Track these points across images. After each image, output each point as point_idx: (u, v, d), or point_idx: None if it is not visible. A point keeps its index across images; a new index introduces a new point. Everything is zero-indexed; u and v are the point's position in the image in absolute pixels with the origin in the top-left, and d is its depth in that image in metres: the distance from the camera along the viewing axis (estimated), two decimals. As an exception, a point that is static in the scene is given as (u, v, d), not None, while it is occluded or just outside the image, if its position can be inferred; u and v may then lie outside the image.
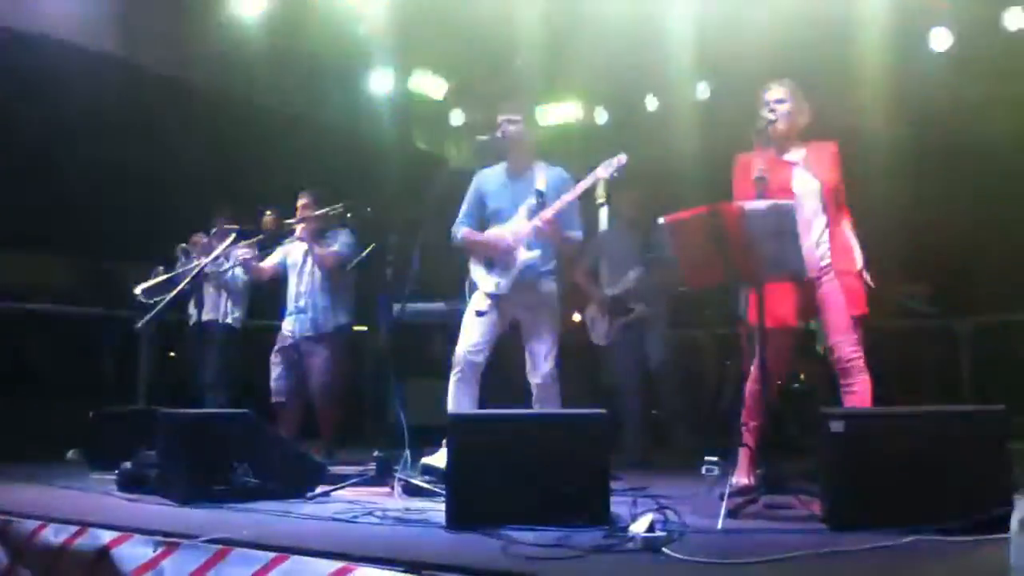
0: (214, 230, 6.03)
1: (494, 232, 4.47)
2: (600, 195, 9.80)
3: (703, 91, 8.02)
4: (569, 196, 4.31)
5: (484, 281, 4.46)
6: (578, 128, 8.62)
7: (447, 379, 4.40)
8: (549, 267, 4.49)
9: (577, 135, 8.46)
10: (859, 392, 3.67)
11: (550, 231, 4.29)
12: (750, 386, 3.83)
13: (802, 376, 6.06)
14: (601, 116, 8.69)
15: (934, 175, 7.31)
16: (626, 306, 5.82)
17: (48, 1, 5.72)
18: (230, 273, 5.95)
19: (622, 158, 4.32)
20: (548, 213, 4.29)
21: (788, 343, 3.87)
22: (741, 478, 3.79)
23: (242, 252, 5.76)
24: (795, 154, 3.87)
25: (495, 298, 4.41)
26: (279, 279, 5.85)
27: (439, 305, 6.82)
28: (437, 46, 8.03)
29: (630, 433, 5.83)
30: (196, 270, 5.55)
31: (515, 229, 4.40)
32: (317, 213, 5.60)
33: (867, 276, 3.79)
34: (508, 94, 5.93)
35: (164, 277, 5.84)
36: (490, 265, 4.45)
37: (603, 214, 9.32)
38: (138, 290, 5.83)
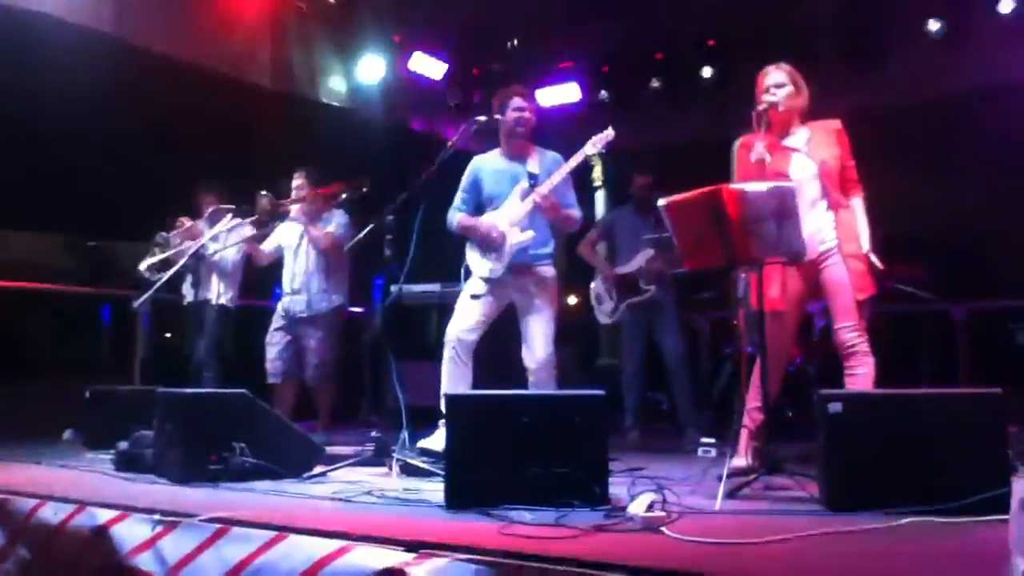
0: (210, 209, 5.98)
1: (488, 219, 4.46)
2: (596, 177, 9.82)
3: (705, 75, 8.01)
4: (562, 171, 4.32)
5: (479, 265, 4.46)
6: (578, 110, 8.59)
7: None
8: (546, 251, 4.48)
9: (577, 118, 8.42)
10: (862, 375, 3.66)
11: (548, 207, 4.29)
12: (754, 369, 3.81)
13: (799, 359, 6.05)
14: (602, 99, 8.65)
15: (933, 160, 7.32)
16: (637, 286, 5.84)
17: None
18: (218, 255, 5.90)
19: (609, 133, 4.33)
20: (544, 189, 4.29)
21: (789, 326, 3.87)
22: (740, 460, 3.80)
23: (246, 233, 5.74)
24: (797, 137, 3.86)
25: (491, 282, 4.41)
26: (280, 258, 5.84)
27: (436, 286, 6.83)
28: (436, 27, 8.00)
29: (629, 414, 5.86)
30: (193, 250, 5.52)
31: (509, 213, 4.40)
32: (313, 193, 5.58)
33: (874, 258, 3.77)
34: (506, 77, 5.93)
35: (163, 256, 5.82)
36: (484, 249, 4.44)
37: (600, 197, 9.36)
38: (143, 266, 5.82)
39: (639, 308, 5.86)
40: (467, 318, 4.38)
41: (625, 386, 5.96)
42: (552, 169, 4.39)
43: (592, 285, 6.14)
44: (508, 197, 4.44)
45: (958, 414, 2.92)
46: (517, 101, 4.48)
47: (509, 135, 4.51)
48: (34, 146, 6.52)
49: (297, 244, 5.71)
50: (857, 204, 3.86)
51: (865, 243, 3.77)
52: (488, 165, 4.59)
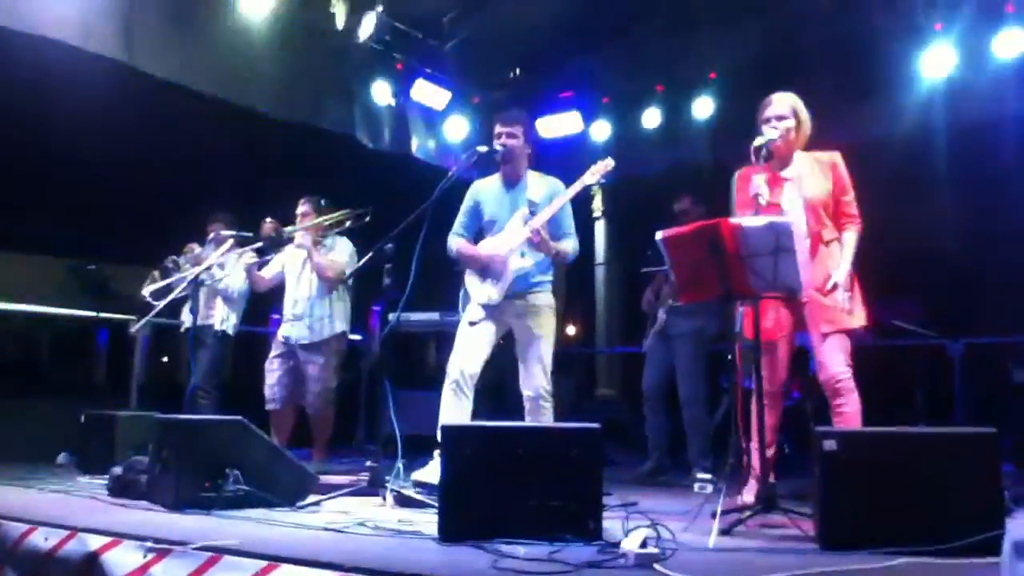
0: (211, 236, 6.01)
1: (487, 246, 4.48)
2: (596, 208, 9.87)
3: (705, 106, 8.06)
4: (558, 202, 4.33)
5: (477, 292, 4.45)
6: (578, 141, 8.64)
7: (441, 389, 4.39)
8: (545, 278, 4.49)
9: (577, 148, 8.47)
10: (849, 412, 3.67)
11: (539, 243, 4.28)
12: (753, 405, 3.79)
13: (796, 393, 6.05)
14: (603, 130, 8.71)
15: (932, 195, 7.36)
16: (656, 314, 5.78)
17: (48, 3, 5.72)
18: (223, 282, 5.92)
19: (609, 163, 4.37)
20: (537, 221, 4.28)
21: (781, 355, 3.88)
22: (740, 496, 3.78)
23: (246, 259, 5.76)
24: (792, 170, 3.89)
25: (488, 309, 4.40)
26: (278, 287, 5.84)
27: (434, 315, 6.84)
28: (439, 55, 8.07)
29: (650, 444, 5.79)
30: (193, 276, 5.54)
31: (508, 239, 4.40)
32: (317, 221, 5.61)
33: (841, 296, 3.74)
34: (507, 106, 5.96)
35: (166, 282, 5.83)
36: (483, 275, 4.44)
37: (600, 227, 9.40)
38: (146, 291, 5.82)
39: (657, 336, 5.76)
40: (468, 350, 4.34)
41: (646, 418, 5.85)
42: (551, 196, 4.40)
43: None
44: (508, 223, 4.45)
45: (953, 454, 2.90)
46: (496, 128, 4.53)
47: (505, 162, 4.53)
48: (42, 171, 6.56)
49: (300, 271, 5.73)
50: (848, 238, 3.85)
51: (838, 277, 3.75)
52: (488, 190, 4.60)
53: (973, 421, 6.07)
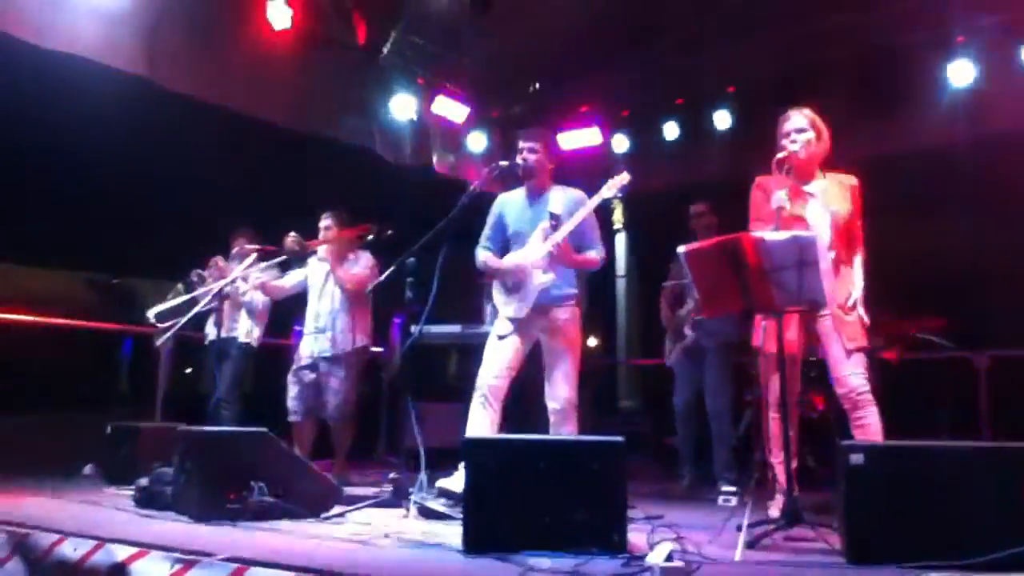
0: (235, 250, 6.06)
1: (511, 259, 4.51)
2: (617, 220, 9.91)
3: (724, 119, 8.08)
4: (578, 217, 4.35)
5: (504, 306, 4.48)
6: (598, 154, 8.66)
7: (463, 401, 4.41)
8: (569, 292, 4.50)
9: (597, 161, 8.49)
10: (869, 425, 3.66)
11: (559, 255, 4.31)
12: (773, 420, 3.78)
13: (819, 407, 6.01)
14: (622, 143, 8.75)
15: (954, 208, 7.32)
16: (682, 330, 5.76)
17: (73, 19, 5.80)
18: (248, 295, 5.97)
19: (625, 177, 4.38)
20: (558, 236, 4.31)
21: (799, 371, 3.88)
22: (775, 509, 3.76)
23: (259, 276, 5.80)
24: (815, 185, 3.89)
25: (515, 322, 4.43)
26: (300, 297, 5.88)
27: (456, 328, 6.85)
28: (459, 70, 8.13)
29: (682, 458, 5.77)
30: (216, 290, 5.58)
31: (531, 253, 4.43)
32: (340, 235, 5.65)
33: (862, 311, 3.79)
34: (526, 121, 5.99)
35: (182, 299, 5.86)
36: (509, 290, 4.47)
37: (621, 240, 9.40)
38: (151, 313, 5.85)
39: (685, 352, 5.74)
40: (496, 363, 4.36)
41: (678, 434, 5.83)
42: (573, 208, 4.42)
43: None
44: (531, 236, 4.48)
45: (980, 467, 2.88)
46: (519, 143, 4.59)
47: (528, 177, 4.57)
48: (64, 186, 6.63)
49: (323, 284, 5.76)
50: (857, 261, 3.90)
51: (858, 294, 3.80)
52: (512, 203, 4.64)
53: (999, 435, 6.01)
